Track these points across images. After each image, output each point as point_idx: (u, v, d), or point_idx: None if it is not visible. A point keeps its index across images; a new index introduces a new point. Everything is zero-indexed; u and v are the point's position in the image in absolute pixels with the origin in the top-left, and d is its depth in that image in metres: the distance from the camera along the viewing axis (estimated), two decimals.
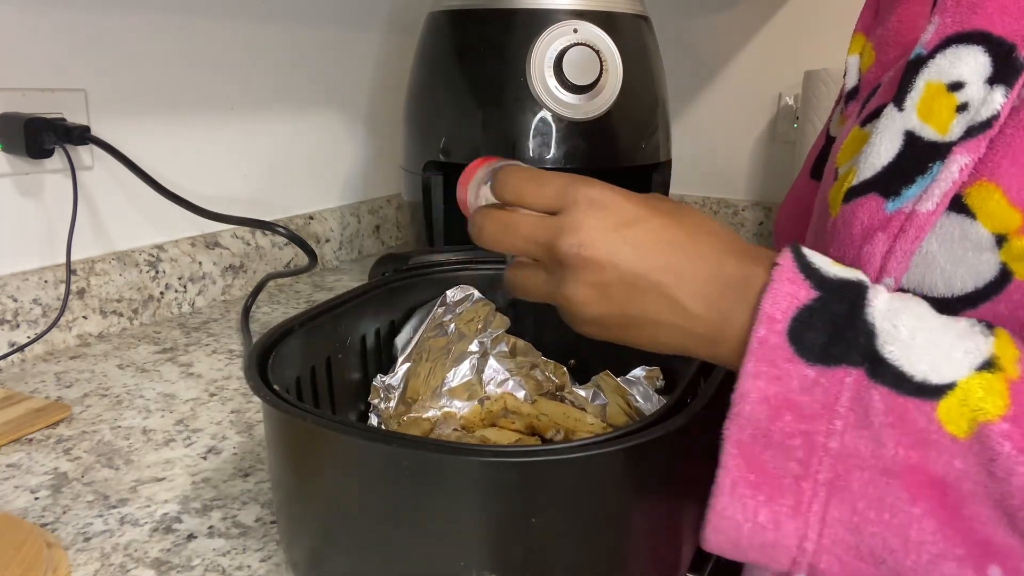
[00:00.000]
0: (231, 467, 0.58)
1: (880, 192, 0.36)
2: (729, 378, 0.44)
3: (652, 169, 0.94)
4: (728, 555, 0.35)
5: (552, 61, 0.83)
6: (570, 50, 0.82)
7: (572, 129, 0.85)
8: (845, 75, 0.49)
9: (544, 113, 0.84)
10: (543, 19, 0.83)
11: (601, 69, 0.84)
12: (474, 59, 0.87)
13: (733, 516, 0.33)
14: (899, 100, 0.37)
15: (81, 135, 0.78)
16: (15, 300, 0.76)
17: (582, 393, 0.62)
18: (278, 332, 0.49)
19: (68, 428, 0.63)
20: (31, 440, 0.61)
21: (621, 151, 0.89)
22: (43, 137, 0.75)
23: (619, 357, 0.60)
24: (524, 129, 0.84)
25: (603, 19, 0.85)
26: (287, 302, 0.98)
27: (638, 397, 0.60)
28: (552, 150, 0.85)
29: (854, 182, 0.38)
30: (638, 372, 0.60)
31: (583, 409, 0.62)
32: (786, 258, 0.34)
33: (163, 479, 0.56)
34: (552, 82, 0.83)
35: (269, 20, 1.02)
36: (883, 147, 0.37)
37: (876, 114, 0.41)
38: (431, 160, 0.89)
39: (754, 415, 0.32)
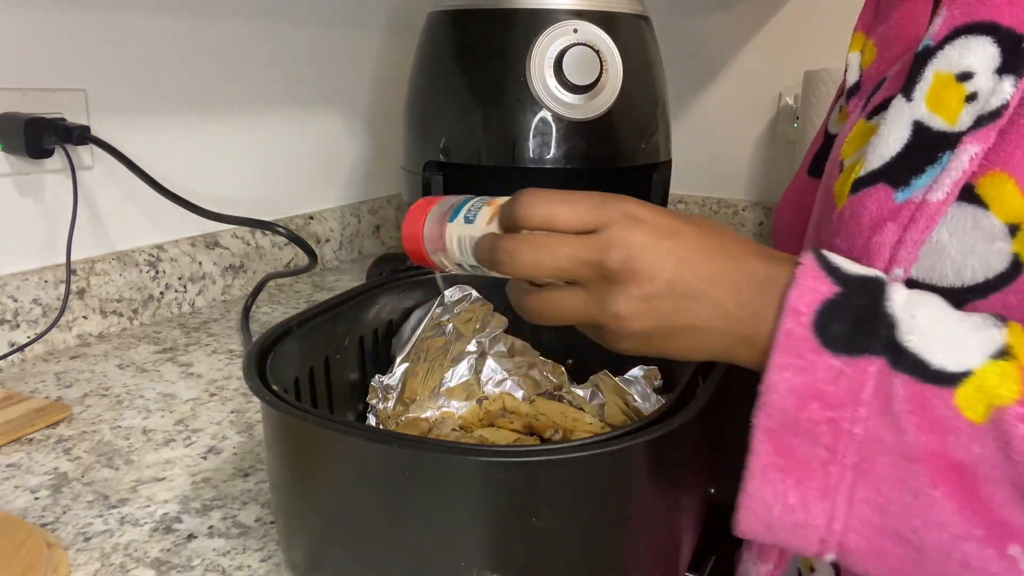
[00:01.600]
0: (231, 467, 0.58)
1: (889, 182, 0.37)
2: (728, 377, 0.44)
3: (652, 169, 0.94)
4: (760, 538, 0.35)
5: (552, 61, 0.83)
6: (570, 50, 0.82)
7: (572, 129, 0.85)
8: (846, 72, 0.50)
9: (544, 113, 0.84)
10: (543, 19, 0.83)
11: (601, 69, 0.84)
12: (474, 59, 0.87)
13: (764, 499, 0.34)
14: (907, 91, 0.37)
15: (81, 135, 0.78)
16: (15, 300, 0.76)
17: (580, 393, 0.62)
18: (276, 332, 0.49)
19: (68, 428, 0.63)
20: (31, 440, 0.61)
21: (621, 151, 0.89)
22: (43, 137, 0.75)
23: (617, 357, 0.60)
24: (524, 129, 0.84)
25: (603, 19, 0.84)
26: (287, 302, 0.98)
27: (636, 396, 0.60)
28: (552, 150, 0.85)
29: (861, 172, 0.38)
30: (636, 372, 0.60)
31: (581, 409, 0.62)
32: (808, 258, 0.35)
33: (163, 479, 0.56)
34: (552, 82, 0.83)
35: (269, 20, 1.02)
36: (891, 137, 0.37)
37: (883, 107, 0.41)
38: (431, 160, 0.89)
39: (782, 405, 0.33)
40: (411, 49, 0.95)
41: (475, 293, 0.63)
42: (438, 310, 0.61)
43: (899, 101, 0.38)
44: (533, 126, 0.84)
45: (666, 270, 0.35)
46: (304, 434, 0.40)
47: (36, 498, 0.53)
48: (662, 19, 1.02)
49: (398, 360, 0.60)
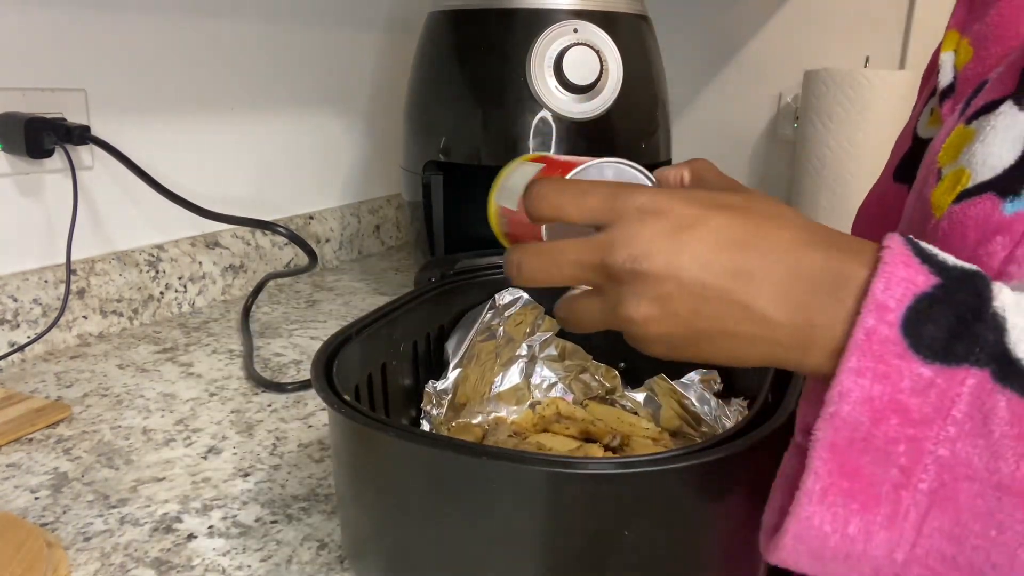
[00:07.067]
0: (231, 467, 0.58)
1: (997, 192, 0.33)
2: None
3: (652, 169, 0.94)
4: (802, 567, 0.31)
5: (552, 61, 0.83)
6: (570, 50, 0.82)
7: (572, 129, 0.85)
8: (937, 72, 0.47)
9: (544, 113, 0.84)
10: (543, 19, 0.83)
11: (601, 69, 0.84)
12: (474, 59, 0.87)
13: (820, 526, 0.29)
14: (1020, 98, 0.34)
15: (81, 135, 0.78)
16: (15, 300, 0.76)
17: (635, 396, 0.61)
18: (337, 340, 0.48)
19: (68, 428, 0.63)
20: (31, 440, 0.61)
21: (621, 151, 0.88)
22: (43, 137, 0.75)
23: (674, 361, 0.60)
24: (524, 129, 0.84)
25: (603, 19, 0.84)
26: (287, 302, 0.98)
27: (694, 401, 0.58)
28: (552, 150, 0.85)
29: (968, 185, 0.34)
30: (693, 376, 0.59)
31: (635, 413, 0.60)
32: (895, 241, 0.30)
33: (163, 479, 0.56)
34: (552, 82, 0.83)
35: (269, 20, 1.02)
36: (1002, 148, 0.34)
37: (985, 111, 0.38)
38: (431, 160, 0.89)
39: (854, 417, 0.28)
40: (411, 49, 0.95)
41: (526, 296, 0.62)
42: (489, 314, 0.61)
43: (1009, 108, 0.34)
44: (533, 126, 0.84)
45: (678, 268, 0.31)
46: (379, 445, 0.39)
47: (36, 498, 0.53)
48: (662, 19, 1.02)
49: (451, 365, 0.59)
